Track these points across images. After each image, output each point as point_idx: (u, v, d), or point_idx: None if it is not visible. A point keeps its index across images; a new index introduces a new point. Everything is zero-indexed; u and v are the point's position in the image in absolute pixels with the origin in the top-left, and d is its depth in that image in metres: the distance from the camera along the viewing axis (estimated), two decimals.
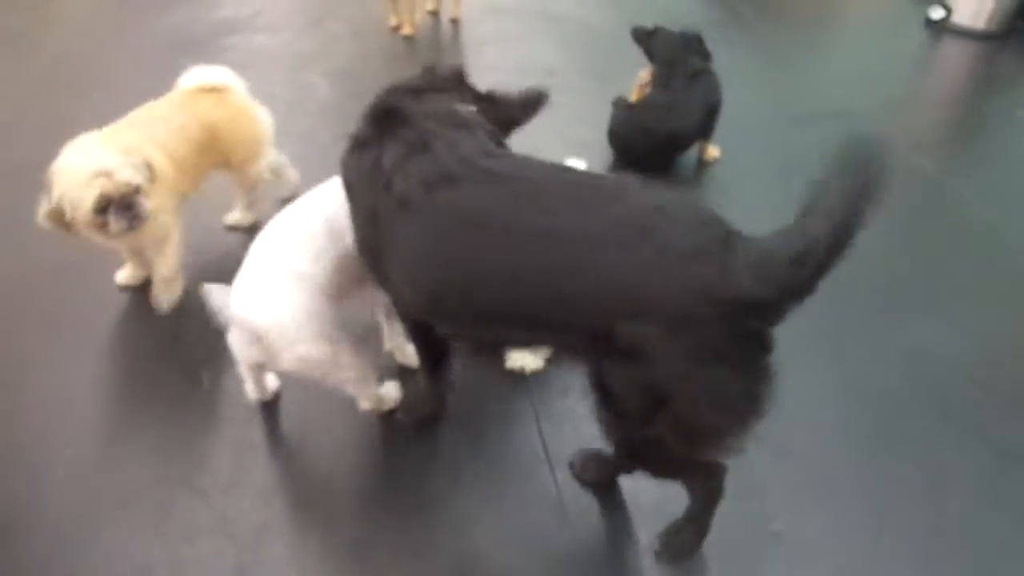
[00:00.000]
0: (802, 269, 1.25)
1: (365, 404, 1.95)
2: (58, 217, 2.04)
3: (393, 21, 4.07)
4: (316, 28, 4.17)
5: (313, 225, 1.77)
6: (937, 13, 4.16)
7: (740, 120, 3.21)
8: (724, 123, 3.00)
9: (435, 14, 4.25)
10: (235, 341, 1.74)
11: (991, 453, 1.94)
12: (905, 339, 2.27)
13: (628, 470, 1.76)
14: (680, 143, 2.91)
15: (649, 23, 3.02)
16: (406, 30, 4.00)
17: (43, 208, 2.03)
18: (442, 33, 4.13)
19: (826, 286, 2.44)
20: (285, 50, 3.93)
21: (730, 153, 3.05)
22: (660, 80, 2.88)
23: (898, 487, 1.85)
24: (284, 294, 1.68)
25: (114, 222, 2.06)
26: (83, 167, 2.00)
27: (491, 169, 1.38)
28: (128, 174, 2.04)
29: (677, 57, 2.85)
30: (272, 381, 2.01)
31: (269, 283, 1.69)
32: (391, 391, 1.99)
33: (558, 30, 4.11)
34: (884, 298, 2.43)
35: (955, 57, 3.99)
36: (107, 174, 2.01)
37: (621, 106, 2.95)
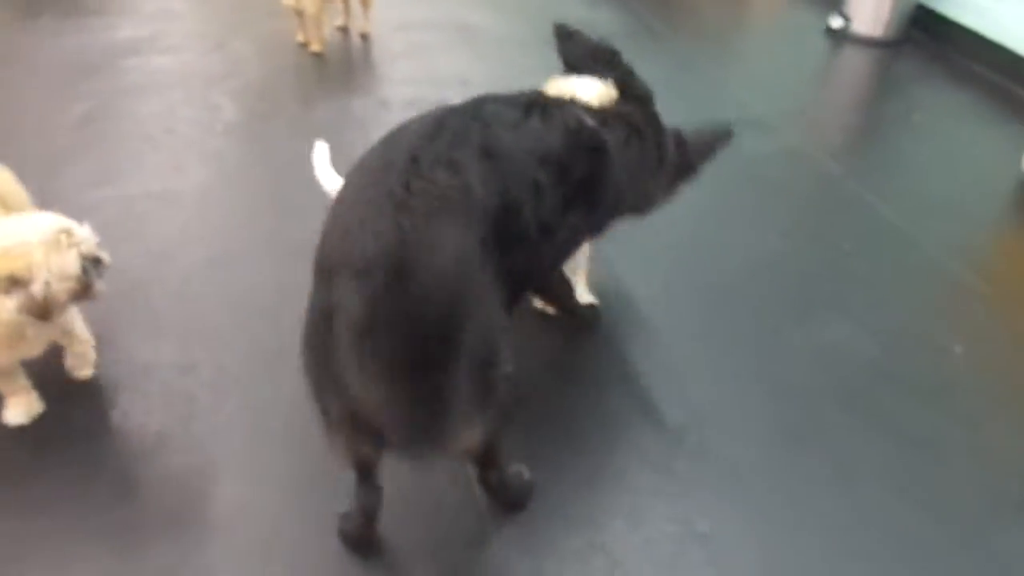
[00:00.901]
0: None
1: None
2: (40, 305, 1.69)
3: (300, 38, 3.99)
4: (220, 48, 4.05)
5: None
6: (837, 22, 4.31)
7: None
8: None
9: (344, 30, 4.18)
10: None
11: (897, 442, 1.99)
12: (816, 336, 2.31)
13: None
14: None
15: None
16: (314, 47, 3.92)
17: (15, 305, 1.68)
18: (352, 48, 4.07)
19: (745, 286, 2.51)
20: (188, 71, 3.81)
21: None
22: None
23: (813, 480, 1.88)
24: None
25: (98, 282, 1.79)
26: (45, 231, 1.70)
27: None
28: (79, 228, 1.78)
29: (584, 64, 2.86)
30: None
31: None
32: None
33: (470, 42, 4.10)
34: (796, 298, 2.47)
35: (855, 64, 4.14)
36: (68, 231, 1.73)
37: None
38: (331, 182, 1.85)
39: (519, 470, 1.78)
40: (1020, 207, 3.06)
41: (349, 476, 1.63)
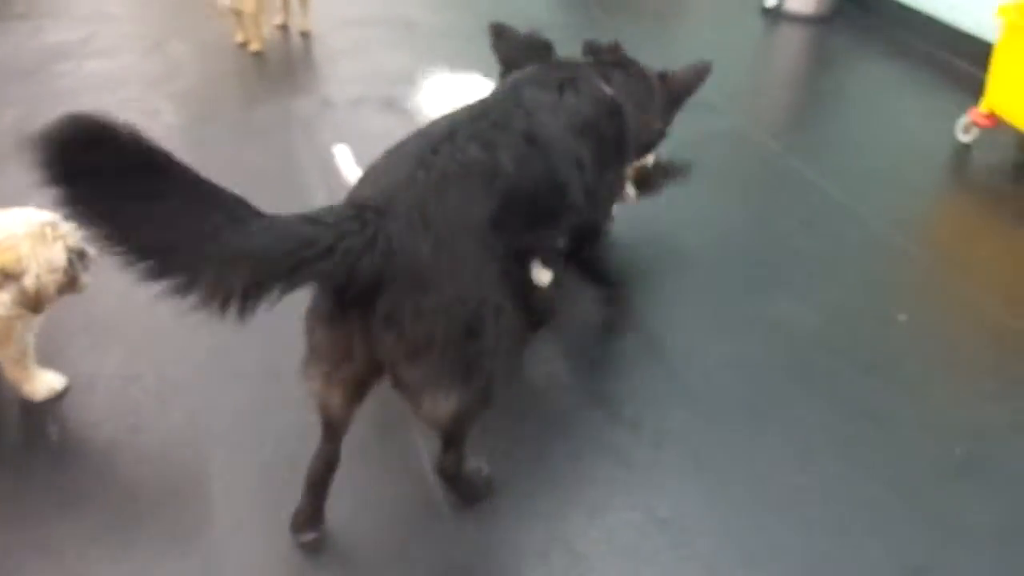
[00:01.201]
0: None
1: None
2: (32, 298, 1.75)
3: (239, 38, 3.92)
4: (158, 50, 3.97)
5: None
6: (771, 1, 4.37)
7: None
8: None
9: (284, 28, 4.13)
10: None
11: (849, 414, 2.05)
12: (767, 314, 2.37)
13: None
14: None
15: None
16: (254, 46, 3.86)
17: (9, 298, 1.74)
18: (293, 47, 4.02)
19: (694, 269, 2.55)
20: (125, 75, 3.72)
21: None
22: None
23: (770, 457, 1.93)
24: None
25: (83, 274, 1.84)
26: (31, 224, 1.75)
27: None
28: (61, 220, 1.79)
29: (518, 59, 2.87)
30: None
31: None
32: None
33: (414, 37, 4.07)
34: (744, 276, 2.53)
35: (791, 41, 4.22)
36: (53, 224, 1.77)
37: None
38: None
39: (478, 466, 1.80)
40: (955, 174, 3.17)
41: (300, 487, 1.63)
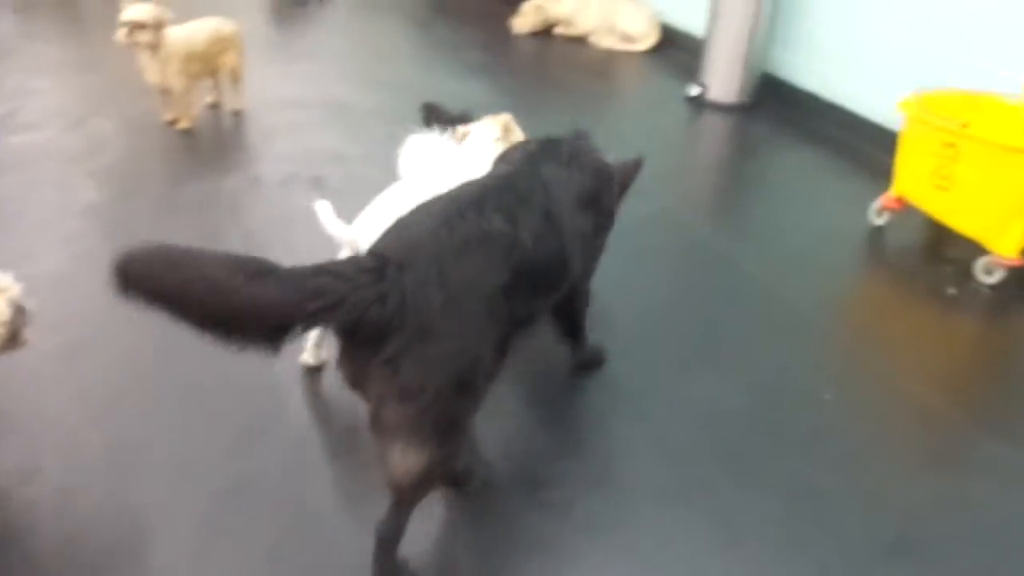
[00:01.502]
0: None
1: None
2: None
3: (168, 116, 3.88)
4: (81, 126, 3.89)
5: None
6: (694, 91, 4.57)
7: None
8: None
9: (216, 106, 4.10)
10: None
11: (778, 494, 2.04)
12: (695, 394, 2.37)
13: None
14: None
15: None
16: (183, 124, 3.82)
17: None
18: (224, 126, 3.99)
19: (623, 350, 2.54)
20: (46, 150, 3.63)
21: None
22: None
23: (700, 541, 1.90)
24: None
25: (24, 329, 1.84)
26: None
27: None
28: None
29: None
30: (325, 352, 2.31)
31: (384, 223, 1.79)
32: None
33: (344, 117, 4.10)
34: (675, 358, 2.53)
35: (714, 128, 4.39)
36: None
37: None
38: (343, 230, 2.05)
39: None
40: (871, 255, 3.29)
41: None
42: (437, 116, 3.01)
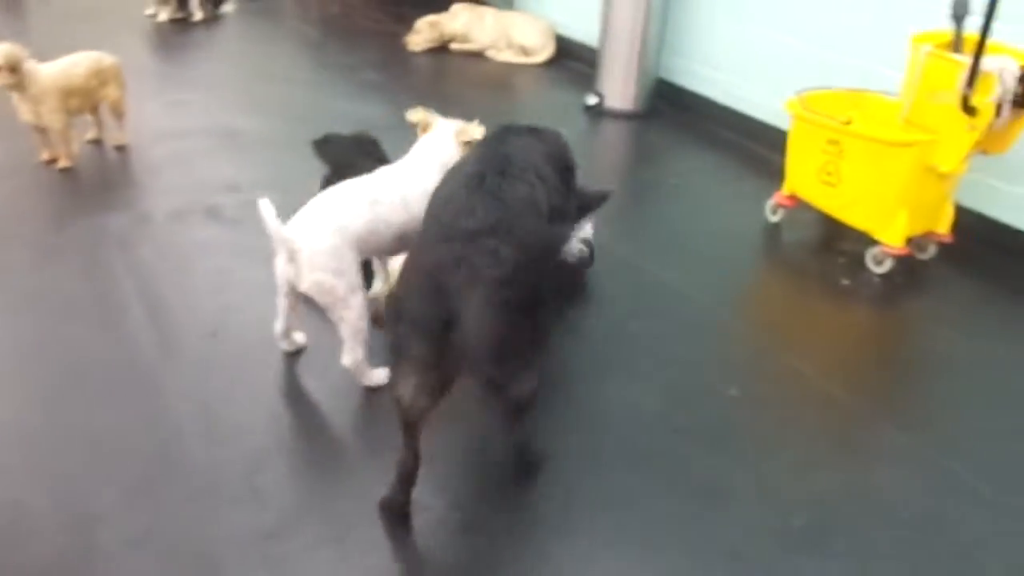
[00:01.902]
0: None
1: (346, 359, 2.30)
2: None
3: (45, 155, 3.67)
4: None
5: (375, 192, 2.33)
6: (592, 100, 4.62)
7: None
8: None
9: (98, 142, 3.91)
10: (278, 259, 2.26)
11: (694, 494, 2.06)
12: (610, 402, 2.38)
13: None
14: None
15: (328, 130, 3.02)
16: (62, 163, 3.62)
17: None
18: (108, 162, 3.80)
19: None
20: None
21: None
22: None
23: (616, 544, 1.89)
24: (323, 235, 2.19)
25: None
26: None
27: None
28: None
29: (350, 161, 2.86)
30: (300, 337, 2.51)
31: (317, 223, 2.22)
32: (380, 374, 2.34)
33: (236, 146, 3.97)
34: (588, 364, 2.53)
35: (613, 136, 4.45)
36: None
37: None
38: (281, 230, 2.19)
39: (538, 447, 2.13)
40: (768, 252, 3.38)
41: None
42: (331, 141, 2.95)
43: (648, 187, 3.89)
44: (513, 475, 2.09)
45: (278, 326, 2.44)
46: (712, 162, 4.11)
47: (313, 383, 2.42)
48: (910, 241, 3.02)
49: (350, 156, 2.88)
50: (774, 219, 3.42)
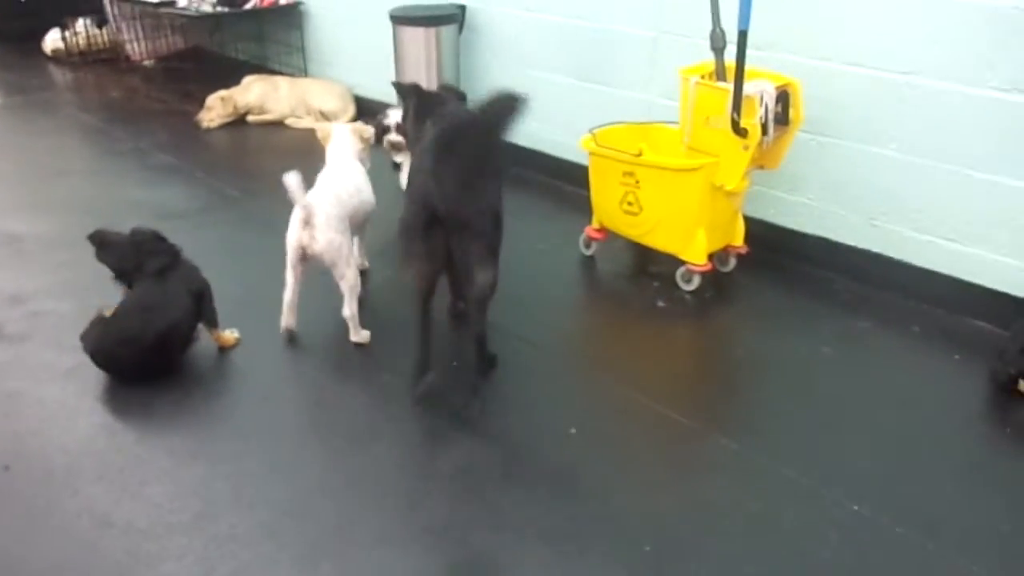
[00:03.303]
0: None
1: (346, 311, 2.87)
2: None
3: None
4: None
5: (354, 183, 3.07)
6: (398, 157, 4.61)
7: (247, 296, 3.13)
8: (231, 302, 2.93)
9: None
10: (292, 225, 2.80)
11: (544, 542, 2.05)
12: (450, 461, 2.34)
13: None
14: (177, 340, 2.72)
15: (123, 225, 2.82)
16: None
17: None
18: None
19: (374, 430, 2.38)
20: None
21: (248, 330, 2.92)
22: (125, 285, 2.71)
23: None
24: (331, 204, 2.86)
25: None
26: None
27: None
28: None
29: (132, 264, 2.69)
30: (291, 319, 2.94)
31: (326, 197, 2.89)
32: (365, 334, 2.91)
33: (17, 253, 3.62)
34: (423, 429, 2.48)
35: None
36: None
37: (97, 323, 2.66)
38: (304, 198, 2.77)
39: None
40: (587, 284, 3.51)
41: None
42: (105, 257, 2.77)
43: None
44: (475, 370, 2.66)
45: (287, 296, 2.90)
46: (525, 204, 4.18)
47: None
48: (711, 257, 3.22)
49: (129, 257, 2.71)
50: (588, 252, 3.54)
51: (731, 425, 2.51)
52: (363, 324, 2.89)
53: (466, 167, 2.39)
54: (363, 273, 3.19)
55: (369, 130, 3.32)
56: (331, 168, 3.11)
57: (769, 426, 2.52)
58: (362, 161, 3.23)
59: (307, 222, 2.76)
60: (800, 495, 2.21)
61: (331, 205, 2.84)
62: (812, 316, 3.14)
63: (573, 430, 2.47)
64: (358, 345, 2.89)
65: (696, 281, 3.22)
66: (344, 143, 3.19)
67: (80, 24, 6.85)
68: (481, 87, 4.62)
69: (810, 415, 2.56)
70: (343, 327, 2.86)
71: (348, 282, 2.85)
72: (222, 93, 5.35)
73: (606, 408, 2.61)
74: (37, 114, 5.72)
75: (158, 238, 2.78)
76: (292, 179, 2.68)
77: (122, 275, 2.71)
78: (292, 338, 2.93)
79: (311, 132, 5.25)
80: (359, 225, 3.14)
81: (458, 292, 2.96)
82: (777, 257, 3.46)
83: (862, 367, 2.82)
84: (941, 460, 2.38)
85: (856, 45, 3.10)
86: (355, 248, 3.10)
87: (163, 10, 5.78)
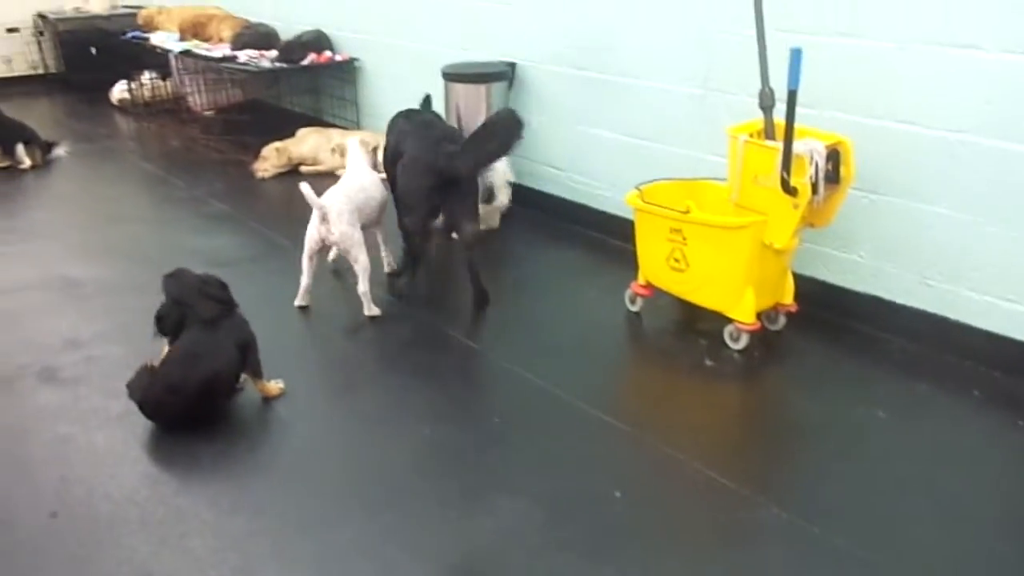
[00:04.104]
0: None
1: (361, 287, 3.42)
2: None
3: None
4: None
5: (359, 183, 3.65)
6: None
7: (292, 346, 3.16)
8: (277, 352, 2.95)
9: None
10: (312, 225, 3.40)
11: None
12: (491, 525, 2.29)
13: None
14: (220, 388, 2.77)
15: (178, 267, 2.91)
16: None
17: None
18: None
19: (399, 487, 2.38)
20: None
21: (293, 380, 2.95)
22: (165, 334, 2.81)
23: None
24: (342, 202, 3.43)
25: None
26: None
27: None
28: None
29: (191, 299, 2.75)
30: (305, 300, 3.54)
31: (337, 196, 3.47)
32: (376, 310, 3.47)
33: (76, 297, 3.73)
34: (459, 484, 2.45)
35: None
36: None
37: (144, 373, 2.71)
38: (318, 201, 3.36)
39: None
40: (632, 341, 3.46)
41: None
42: (171, 285, 2.84)
43: (509, 287, 3.92)
44: (474, 301, 3.59)
45: (304, 281, 3.48)
46: (571, 258, 4.21)
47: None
48: (760, 315, 3.16)
49: (192, 296, 2.76)
50: (634, 308, 3.51)
51: (782, 492, 2.43)
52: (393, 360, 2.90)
53: (488, 150, 3.40)
54: (395, 275, 3.83)
55: (372, 139, 4.04)
56: (352, 173, 3.74)
57: (822, 494, 2.43)
58: (375, 165, 3.88)
59: (324, 219, 3.33)
60: (855, 568, 2.12)
61: (341, 203, 3.39)
62: (866, 378, 3.05)
63: (618, 493, 2.41)
64: (372, 318, 3.45)
65: (744, 340, 3.15)
66: (355, 152, 3.83)
67: (146, 76, 7.16)
68: (531, 143, 4.67)
69: (865, 483, 2.46)
70: (385, 382, 2.88)
71: (361, 264, 3.40)
72: (277, 144, 5.49)
73: (652, 470, 2.55)
74: (101, 162, 5.96)
75: (222, 286, 2.84)
76: (306, 188, 3.27)
77: (173, 311, 2.77)
78: (305, 311, 3.52)
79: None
80: (370, 217, 3.67)
81: (450, 231, 3.68)
82: (828, 315, 3.38)
83: (920, 432, 2.71)
84: (1005, 532, 2.27)
85: (908, 104, 3.05)
86: (381, 249, 3.86)
87: (224, 65, 6.00)
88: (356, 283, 3.44)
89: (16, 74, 8.05)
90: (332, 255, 3.79)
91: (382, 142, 3.93)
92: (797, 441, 2.74)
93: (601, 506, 2.37)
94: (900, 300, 3.25)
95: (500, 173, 4.37)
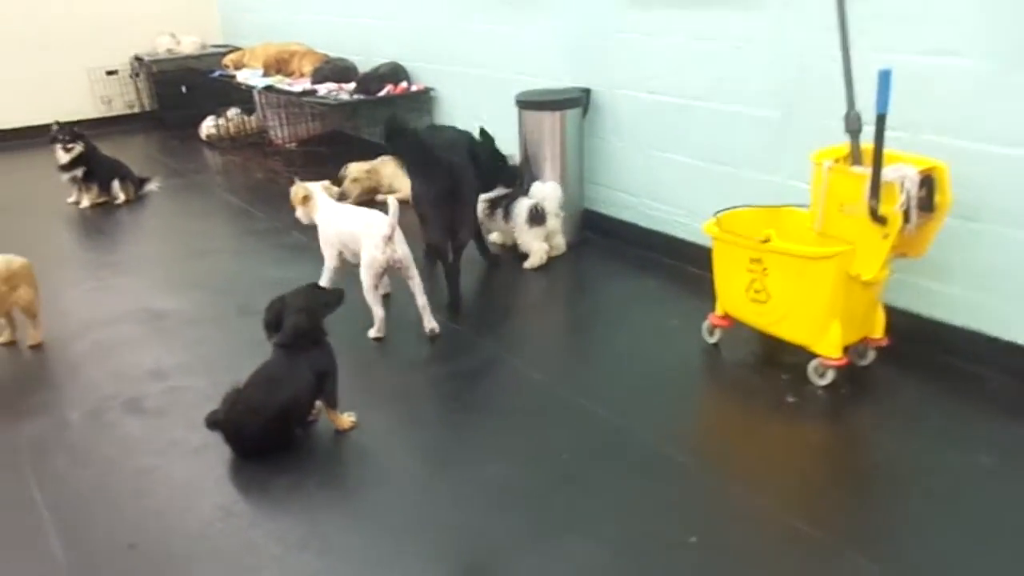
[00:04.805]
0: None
1: (419, 300, 3.57)
2: None
3: None
4: None
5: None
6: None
7: (365, 378, 3.17)
8: (349, 385, 2.97)
9: (12, 344, 3.76)
10: (375, 250, 3.46)
11: None
12: (561, 566, 2.22)
13: None
14: (295, 413, 2.83)
15: (257, 303, 2.96)
16: None
17: None
18: (23, 364, 3.64)
19: (466, 525, 2.34)
20: None
21: (365, 414, 2.95)
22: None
23: None
24: (393, 222, 3.44)
25: None
26: None
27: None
28: None
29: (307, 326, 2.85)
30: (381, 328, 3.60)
31: (384, 217, 3.49)
32: (436, 325, 3.62)
33: (162, 329, 3.85)
34: (529, 524, 2.38)
35: (547, 269, 4.39)
36: None
37: (230, 397, 2.79)
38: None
39: None
40: (710, 375, 3.33)
41: None
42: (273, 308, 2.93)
43: (583, 319, 3.86)
44: (447, 304, 3.87)
45: (379, 312, 3.58)
46: (648, 287, 4.11)
47: None
48: (848, 349, 3.00)
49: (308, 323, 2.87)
50: (712, 340, 3.38)
51: (869, 542, 2.27)
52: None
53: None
54: (452, 304, 3.92)
55: (333, 188, 4.11)
56: (340, 207, 3.88)
57: (914, 545, 2.26)
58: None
59: (389, 239, 3.42)
60: None
61: (394, 223, 3.45)
62: (965, 419, 2.84)
63: (693, 539, 2.31)
64: (432, 332, 3.58)
65: (830, 375, 2.99)
66: (325, 196, 3.90)
67: (232, 112, 7.45)
68: (605, 169, 4.63)
69: (964, 534, 2.28)
70: (452, 418, 2.84)
71: (415, 281, 3.55)
72: (367, 166, 5.64)
73: (729, 515, 2.43)
74: (188, 195, 6.19)
75: (321, 315, 2.93)
76: (393, 201, 3.42)
77: (277, 322, 2.90)
78: (370, 342, 3.58)
79: None
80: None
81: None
82: (922, 351, 3.18)
83: None
84: None
85: (1010, 125, 2.86)
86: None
87: (305, 99, 6.17)
88: (413, 301, 3.56)
89: (115, 113, 8.48)
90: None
91: None
92: (888, 487, 2.56)
93: (675, 552, 2.27)
94: (1003, 336, 3.03)
95: (552, 199, 4.37)
